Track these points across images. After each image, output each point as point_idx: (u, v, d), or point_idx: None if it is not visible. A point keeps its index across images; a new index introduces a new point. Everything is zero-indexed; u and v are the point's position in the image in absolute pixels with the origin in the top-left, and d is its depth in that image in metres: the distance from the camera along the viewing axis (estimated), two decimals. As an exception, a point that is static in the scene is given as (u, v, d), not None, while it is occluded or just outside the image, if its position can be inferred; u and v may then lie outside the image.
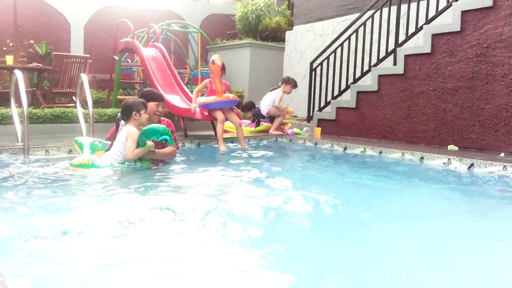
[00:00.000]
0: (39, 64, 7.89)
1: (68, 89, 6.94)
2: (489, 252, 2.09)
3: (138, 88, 9.18)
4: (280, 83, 7.03)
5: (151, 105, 3.88)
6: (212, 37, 11.45)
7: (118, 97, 7.96)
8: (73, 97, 6.61)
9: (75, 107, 5.60)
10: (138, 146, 3.56)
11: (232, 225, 2.28)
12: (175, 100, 5.95)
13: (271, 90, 7.18)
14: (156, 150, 3.73)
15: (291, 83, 6.81)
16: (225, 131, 6.07)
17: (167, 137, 3.58)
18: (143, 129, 3.56)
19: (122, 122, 3.74)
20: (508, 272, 1.86)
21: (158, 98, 4.01)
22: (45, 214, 2.41)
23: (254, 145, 5.85)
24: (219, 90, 5.34)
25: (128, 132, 3.54)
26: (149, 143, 3.56)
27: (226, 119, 5.51)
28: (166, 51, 7.07)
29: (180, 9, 12.20)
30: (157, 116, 3.96)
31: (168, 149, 3.84)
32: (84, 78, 4.69)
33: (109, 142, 3.82)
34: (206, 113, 5.55)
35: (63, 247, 1.95)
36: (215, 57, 5.39)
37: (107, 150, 3.72)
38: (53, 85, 6.79)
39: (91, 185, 3.16)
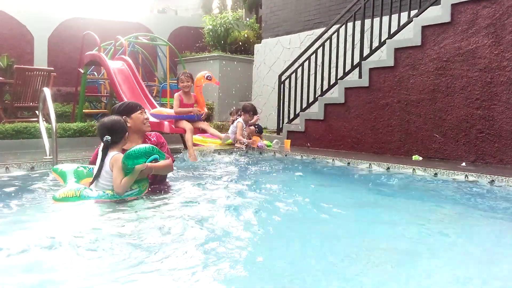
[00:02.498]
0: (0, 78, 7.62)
1: (31, 103, 6.73)
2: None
3: (105, 101, 9.01)
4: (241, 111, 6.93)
5: (137, 115, 3.35)
6: (181, 49, 11.44)
7: (84, 110, 7.78)
8: (36, 111, 6.40)
9: (38, 121, 5.42)
10: (125, 174, 2.97)
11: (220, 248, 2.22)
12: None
13: (236, 118, 7.08)
14: (150, 164, 3.07)
15: (249, 112, 6.64)
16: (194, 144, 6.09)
17: (156, 156, 3.01)
18: (125, 153, 2.94)
19: (100, 146, 3.16)
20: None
21: (137, 105, 3.47)
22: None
23: (225, 157, 5.81)
24: (203, 103, 5.79)
25: (113, 159, 2.98)
26: (138, 166, 2.95)
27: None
28: (133, 63, 6.99)
29: (148, 21, 12.14)
30: (147, 126, 3.43)
31: (164, 162, 3.25)
32: (47, 92, 4.55)
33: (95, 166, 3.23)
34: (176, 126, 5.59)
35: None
36: (211, 75, 5.83)
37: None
38: (15, 99, 6.57)
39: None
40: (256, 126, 7.16)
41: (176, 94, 5.70)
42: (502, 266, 2.10)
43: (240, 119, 6.61)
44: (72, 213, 2.75)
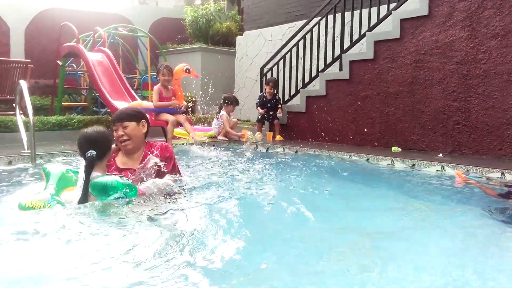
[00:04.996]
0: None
1: (8, 96, 6.58)
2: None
3: (84, 94, 8.87)
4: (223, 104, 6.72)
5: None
6: (162, 41, 11.30)
7: (63, 103, 7.65)
8: (14, 104, 6.27)
9: (15, 115, 5.32)
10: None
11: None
12: (123, 106, 5.80)
13: (218, 111, 6.88)
14: (139, 189, 2.59)
15: (230, 103, 6.58)
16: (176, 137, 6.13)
17: (123, 195, 2.43)
18: (90, 183, 2.46)
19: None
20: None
21: (113, 120, 2.89)
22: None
23: (208, 150, 5.78)
24: (181, 96, 5.96)
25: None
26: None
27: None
28: (113, 55, 6.90)
29: (128, 12, 11.95)
30: (122, 145, 2.81)
31: (164, 179, 2.78)
32: (23, 84, 4.46)
33: None
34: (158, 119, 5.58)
35: None
36: (189, 67, 5.98)
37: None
38: (-10, 92, 6.41)
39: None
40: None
41: (155, 87, 5.68)
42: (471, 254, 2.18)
43: (223, 112, 6.58)
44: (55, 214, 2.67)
